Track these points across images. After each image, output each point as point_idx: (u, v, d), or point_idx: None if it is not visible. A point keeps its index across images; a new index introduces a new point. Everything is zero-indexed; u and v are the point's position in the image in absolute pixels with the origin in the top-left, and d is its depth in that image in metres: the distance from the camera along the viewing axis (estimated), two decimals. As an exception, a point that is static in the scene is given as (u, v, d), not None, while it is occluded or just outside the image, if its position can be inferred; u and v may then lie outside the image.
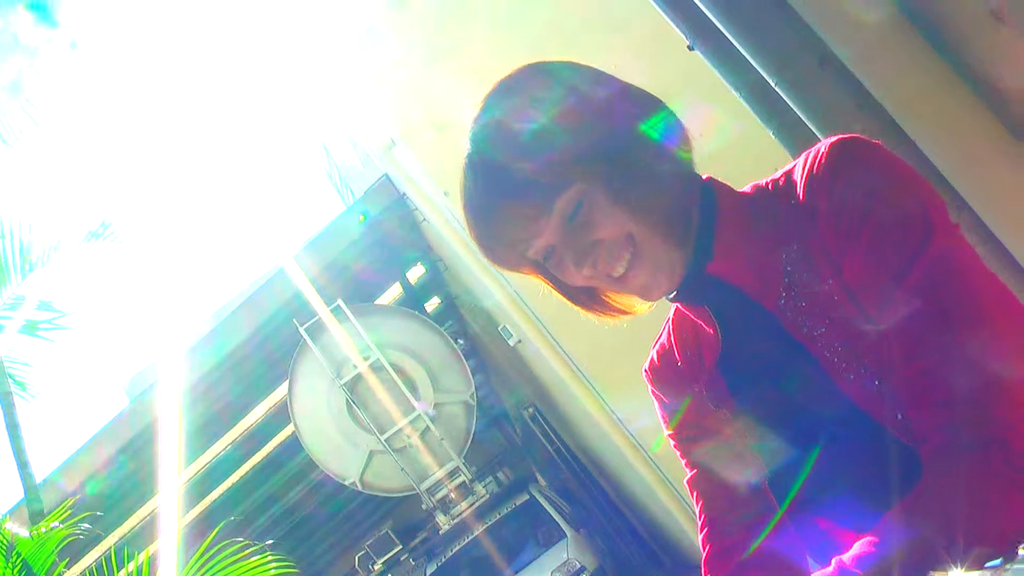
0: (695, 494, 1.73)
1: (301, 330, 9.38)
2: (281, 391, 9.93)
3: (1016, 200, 2.72)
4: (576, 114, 1.42)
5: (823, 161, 1.39)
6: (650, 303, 1.60)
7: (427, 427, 9.64)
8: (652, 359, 1.75)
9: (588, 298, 1.64)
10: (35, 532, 5.13)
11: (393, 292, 11.00)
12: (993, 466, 1.23)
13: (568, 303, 1.64)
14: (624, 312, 1.66)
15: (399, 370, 9.73)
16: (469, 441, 9.91)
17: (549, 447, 11.20)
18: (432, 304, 11.87)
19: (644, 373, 1.77)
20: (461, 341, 11.11)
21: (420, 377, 9.92)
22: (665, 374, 1.73)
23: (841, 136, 1.40)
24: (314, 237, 9.74)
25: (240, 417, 10.51)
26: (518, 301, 8.59)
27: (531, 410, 11.49)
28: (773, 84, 2.76)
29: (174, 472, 8.97)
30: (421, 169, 8.38)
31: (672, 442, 1.76)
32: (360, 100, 9.05)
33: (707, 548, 1.68)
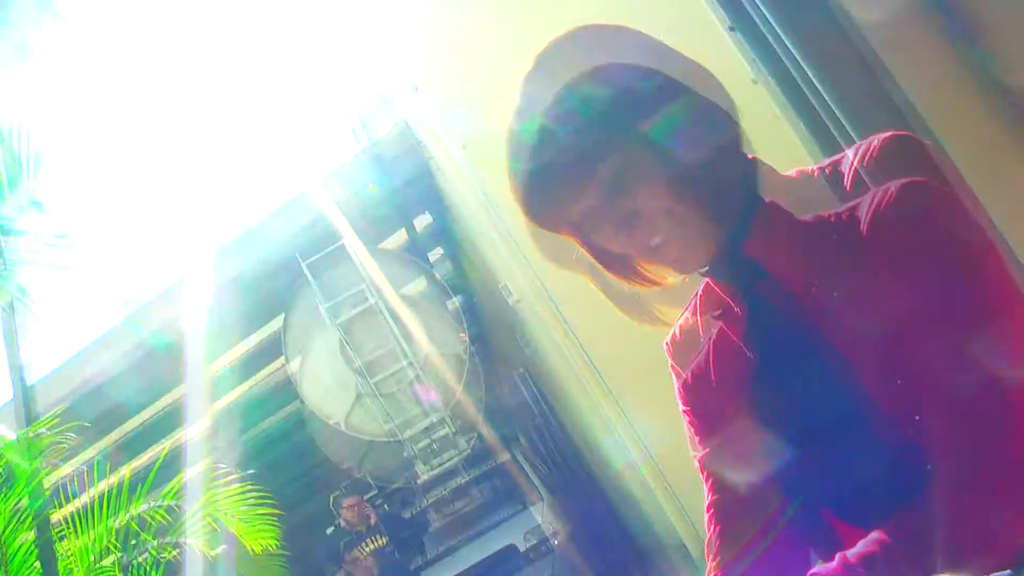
0: (706, 473, 1.73)
1: (303, 265, 9.38)
2: (277, 324, 9.95)
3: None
4: (624, 83, 1.42)
5: (894, 202, 1.39)
6: (682, 275, 1.60)
7: (417, 375, 9.67)
8: (675, 333, 1.75)
9: (621, 265, 1.63)
10: (22, 435, 5.16)
11: (399, 238, 10.99)
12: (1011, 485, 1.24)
13: (601, 268, 1.63)
14: (655, 282, 1.64)
15: (396, 316, 9.74)
16: (457, 394, 9.94)
17: (535, 409, 11.22)
18: (435, 255, 11.86)
19: (665, 346, 1.77)
20: (460, 295, 11.11)
21: (416, 325, 9.93)
22: (687, 350, 1.72)
23: (911, 181, 1.40)
24: (325, 175, 9.71)
25: (235, 344, 10.52)
26: (523, 261, 8.58)
27: (522, 371, 11.50)
28: (813, 78, 2.75)
29: (169, 389, 9.02)
30: (442, 119, 8.35)
31: (687, 418, 1.77)
32: (386, 45, 9.01)
33: (712, 528, 1.69)
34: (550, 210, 1.51)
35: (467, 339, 10.03)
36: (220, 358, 10.45)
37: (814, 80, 2.68)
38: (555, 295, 8.32)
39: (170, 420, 10.05)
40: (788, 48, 2.70)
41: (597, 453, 10.34)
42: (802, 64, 2.69)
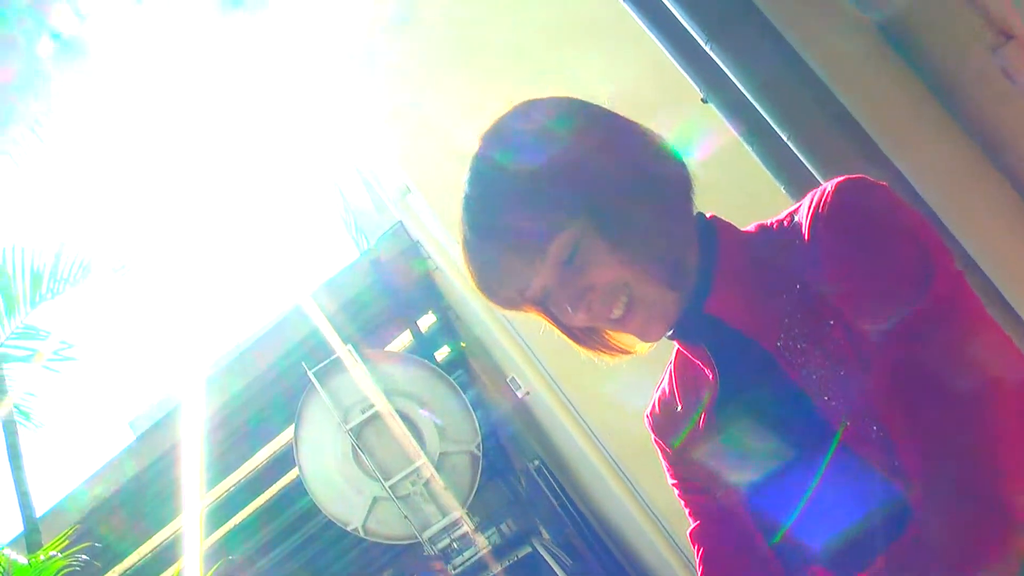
0: (697, 547, 1.71)
1: (310, 373, 9.37)
2: (287, 435, 9.90)
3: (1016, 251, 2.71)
4: (571, 156, 1.42)
5: (829, 200, 1.39)
6: (650, 343, 1.59)
7: (432, 476, 9.59)
8: (653, 405, 1.75)
9: (588, 337, 1.64)
10: (33, 560, 5.11)
11: (403, 340, 10.99)
12: (987, 525, 1.22)
13: (569, 341, 1.64)
14: (624, 351, 1.65)
15: (406, 418, 9.70)
16: (473, 492, 9.86)
17: (553, 500, 11.12)
18: (442, 353, 11.85)
19: (646, 419, 1.77)
20: (469, 392, 11.07)
21: (427, 425, 9.89)
22: (666, 421, 1.72)
23: (848, 176, 1.40)
24: (326, 281, 9.76)
25: (245, 459, 10.47)
26: (527, 353, 8.58)
27: (536, 463, 11.42)
28: (785, 139, 2.78)
29: (182, 508, 8.96)
30: (435, 217, 8.42)
31: (676, 491, 1.76)
32: (374, 145, 9.12)
33: None
34: (508, 291, 1.52)
35: (479, 435, 9.97)
36: (232, 474, 10.41)
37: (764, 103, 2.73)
38: (562, 385, 8.32)
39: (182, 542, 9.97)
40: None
41: (616, 537, 10.24)
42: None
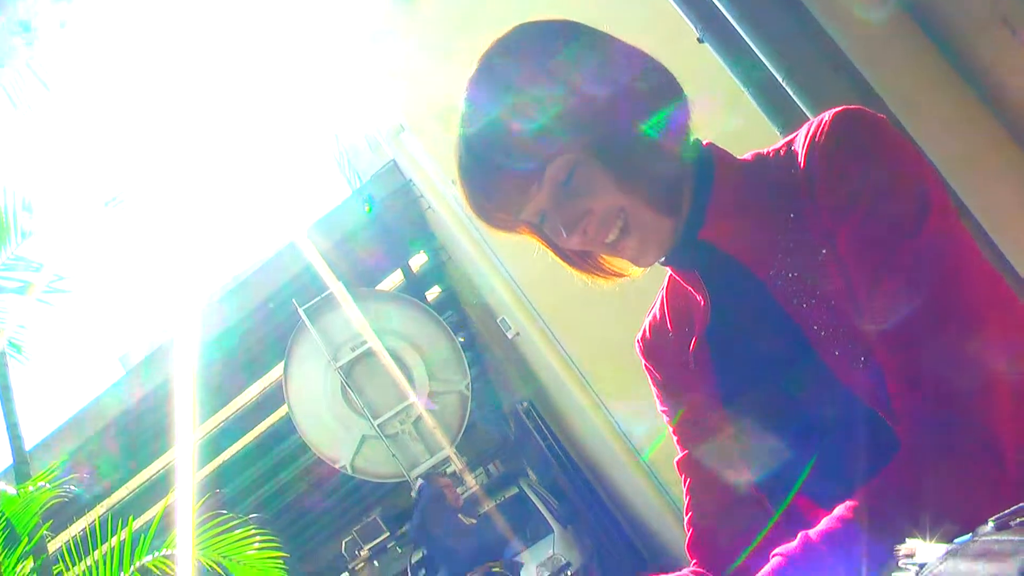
0: (684, 477, 1.71)
1: (300, 311, 9.38)
2: (277, 371, 9.94)
3: (1019, 209, 2.71)
4: (569, 80, 1.41)
5: (826, 129, 1.37)
6: (643, 267, 1.60)
7: (420, 415, 9.64)
8: (644, 330, 1.75)
9: (582, 260, 1.64)
10: (22, 490, 5.13)
11: (395, 279, 11.01)
12: (976, 465, 1.22)
13: (563, 264, 1.64)
14: (618, 275, 1.66)
15: (396, 357, 9.73)
16: (462, 431, 9.92)
17: (541, 442, 11.19)
18: (433, 293, 11.88)
19: (636, 344, 1.76)
20: (460, 332, 11.11)
21: (416, 365, 9.92)
22: (657, 346, 1.72)
23: (846, 107, 1.38)
24: (319, 219, 9.74)
25: (236, 395, 10.52)
26: (518, 294, 8.58)
27: (525, 405, 11.49)
28: (783, 82, 2.76)
29: (173, 442, 9.00)
30: (428, 156, 8.38)
31: (665, 418, 1.75)
32: (370, 89, 9.06)
33: (691, 530, 1.68)
34: (503, 213, 1.50)
35: (469, 375, 10.01)
36: (223, 409, 10.46)
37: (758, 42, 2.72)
38: (553, 327, 8.33)
39: (173, 475, 10.04)
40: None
41: (603, 481, 10.31)
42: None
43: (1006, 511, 0.94)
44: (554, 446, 11.56)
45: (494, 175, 1.45)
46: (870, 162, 1.35)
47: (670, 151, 1.47)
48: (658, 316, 1.72)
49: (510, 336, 9.69)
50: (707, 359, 1.58)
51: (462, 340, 10.76)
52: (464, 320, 12.36)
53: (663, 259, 1.54)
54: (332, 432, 9.65)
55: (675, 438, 1.73)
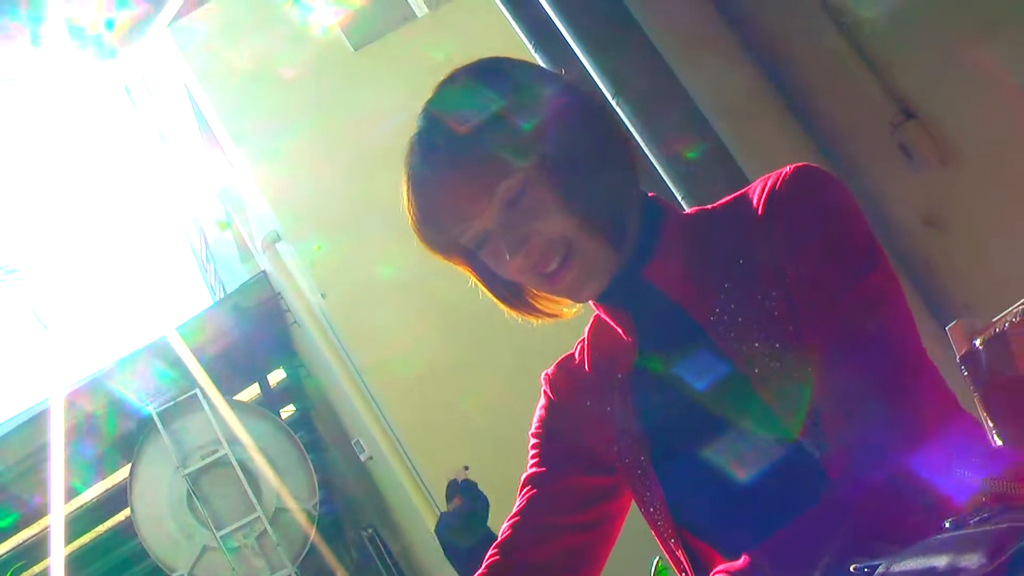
0: (525, 489, 1.70)
1: (152, 412, 9.22)
2: (124, 472, 9.67)
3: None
4: (531, 105, 1.47)
5: (787, 181, 1.46)
6: (576, 307, 1.63)
7: (265, 530, 9.46)
8: (555, 367, 1.76)
9: (515, 297, 1.64)
10: None
11: (251, 392, 10.89)
12: (903, 486, 1.27)
13: (495, 301, 1.65)
14: (550, 315, 1.66)
15: (246, 469, 9.57)
16: (305, 551, 9.74)
17: (383, 570, 11.05)
18: (288, 411, 11.76)
19: (542, 378, 1.77)
20: (312, 452, 10.99)
21: (266, 480, 9.77)
22: (565, 377, 1.74)
23: (805, 164, 1.49)
24: (179, 326, 9.65)
25: (79, 492, 10.16)
26: (377, 413, 8.59)
27: (370, 531, 11.36)
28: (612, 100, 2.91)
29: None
30: (302, 267, 8.44)
31: (532, 440, 1.75)
32: (247, 194, 9.14)
33: (496, 554, 1.67)
34: (444, 232, 1.52)
35: (318, 495, 9.89)
36: (68, 503, 10.07)
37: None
38: (409, 449, 8.34)
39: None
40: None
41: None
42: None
43: (961, 514, 1.03)
44: (395, 574, 11.40)
45: (446, 185, 1.48)
46: (828, 212, 1.46)
47: (621, 187, 1.54)
48: (576, 358, 1.73)
49: (363, 459, 9.65)
50: (628, 399, 1.60)
51: (312, 458, 10.65)
52: (316, 441, 12.25)
53: (598, 296, 1.57)
54: (173, 539, 9.38)
55: (533, 461, 1.73)
